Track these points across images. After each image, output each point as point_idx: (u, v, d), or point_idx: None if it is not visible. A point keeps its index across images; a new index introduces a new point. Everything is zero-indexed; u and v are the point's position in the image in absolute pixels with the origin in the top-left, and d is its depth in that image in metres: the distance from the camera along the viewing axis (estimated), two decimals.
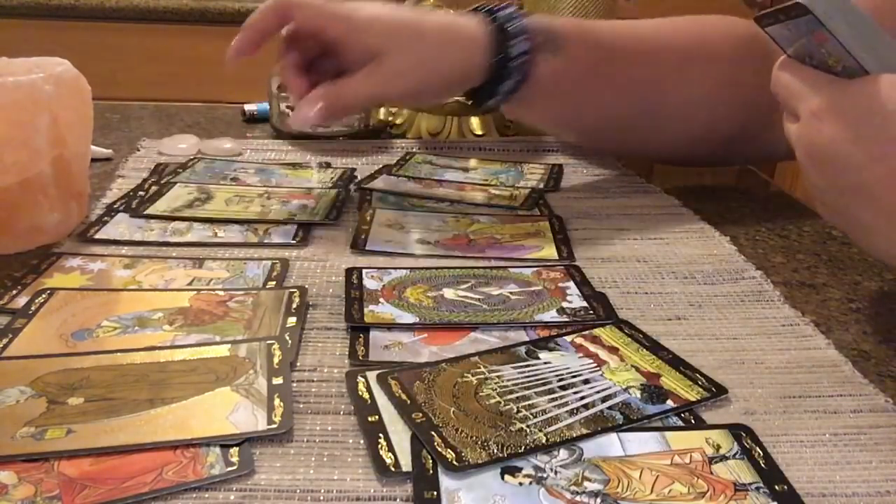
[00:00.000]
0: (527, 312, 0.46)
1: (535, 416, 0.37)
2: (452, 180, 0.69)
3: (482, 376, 0.40)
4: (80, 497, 0.31)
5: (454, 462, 0.33)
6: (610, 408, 0.37)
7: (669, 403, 0.38)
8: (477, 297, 0.48)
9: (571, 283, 0.50)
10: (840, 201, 0.44)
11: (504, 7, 0.60)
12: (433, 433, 0.35)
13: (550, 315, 0.46)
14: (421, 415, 0.37)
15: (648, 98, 0.64)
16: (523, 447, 0.35)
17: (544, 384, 0.39)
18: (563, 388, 0.39)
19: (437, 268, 0.52)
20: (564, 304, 0.47)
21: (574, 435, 0.35)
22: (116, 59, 1.76)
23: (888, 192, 0.41)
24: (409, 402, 0.38)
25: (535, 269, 0.52)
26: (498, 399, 0.38)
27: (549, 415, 0.37)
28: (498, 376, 0.40)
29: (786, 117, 0.46)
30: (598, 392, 0.39)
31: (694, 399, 0.38)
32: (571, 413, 0.37)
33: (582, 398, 0.38)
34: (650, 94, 0.64)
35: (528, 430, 0.36)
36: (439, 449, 0.34)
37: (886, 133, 0.40)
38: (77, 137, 0.55)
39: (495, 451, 0.34)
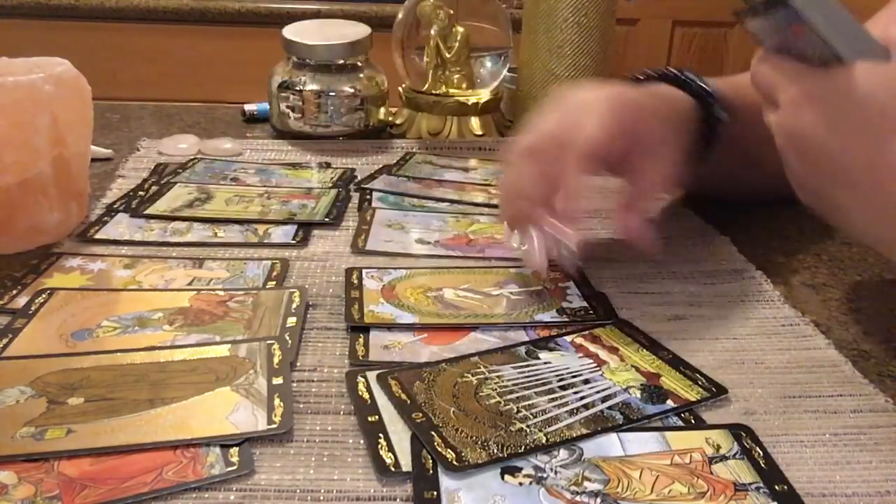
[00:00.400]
0: (527, 312, 0.46)
1: (535, 416, 0.37)
2: (452, 180, 0.69)
3: (482, 376, 0.40)
4: (80, 497, 0.31)
5: (454, 462, 0.33)
6: (610, 408, 0.37)
7: (669, 403, 0.38)
8: (477, 297, 0.48)
9: (571, 283, 0.50)
10: (820, 187, 0.44)
11: (683, 72, 0.59)
12: (433, 433, 0.35)
13: (550, 315, 0.46)
14: (421, 415, 0.37)
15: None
16: (523, 447, 0.35)
17: (544, 384, 0.39)
18: (563, 388, 0.39)
19: (436, 268, 0.52)
20: (564, 304, 0.47)
21: (574, 435, 0.35)
22: (116, 59, 1.77)
23: (866, 176, 0.41)
24: (408, 401, 0.38)
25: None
26: (498, 399, 0.38)
27: (549, 415, 0.37)
28: (498, 376, 0.40)
29: (765, 108, 0.47)
30: (598, 392, 0.39)
31: (694, 399, 0.38)
32: (571, 413, 0.37)
33: (582, 398, 0.38)
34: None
35: (528, 430, 0.36)
36: (439, 449, 0.34)
37: (862, 118, 0.41)
38: (77, 137, 0.55)
39: (495, 450, 0.34)
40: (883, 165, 0.41)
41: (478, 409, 0.37)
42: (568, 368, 0.41)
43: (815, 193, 0.45)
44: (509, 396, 0.38)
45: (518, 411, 0.37)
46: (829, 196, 0.44)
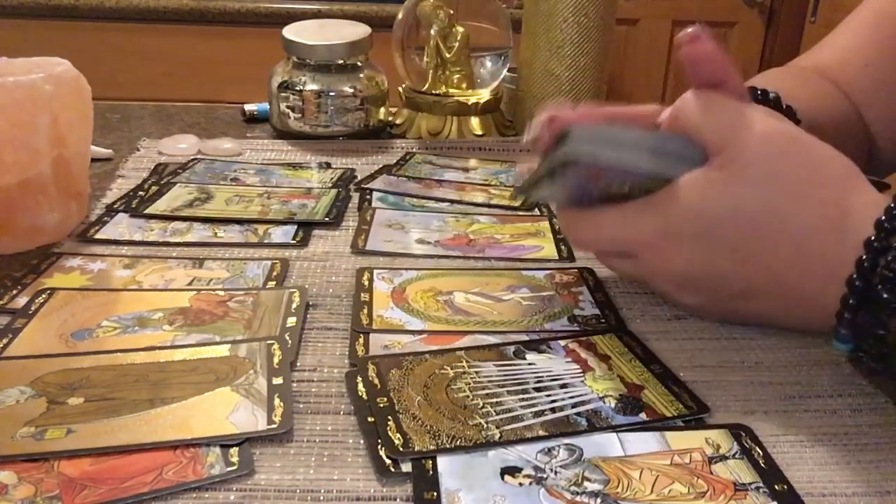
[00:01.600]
0: (537, 320, 0.46)
1: (498, 414, 0.37)
2: (452, 180, 0.69)
3: (461, 370, 0.40)
4: (80, 497, 0.31)
5: (399, 448, 0.34)
6: (578, 414, 0.37)
7: (643, 416, 0.37)
8: (488, 301, 0.48)
9: (584, 289, 0.50)
10: (732, 306, 0.43)
11: (768, 92, 0.53)
12: (390, 417, 0.36)
13: (561, 324, 0.45)
14: (385, 399, 0.37)
15: None
16: (473, 442, 0.35)
17: (520, 384, 0.39)
18: (537, 389, 0.39)
19: (448, 269, 0.52)
20: (576, 312, 0.47)
21: (528, 436, 0.35)
22: (116, 59, 1.77)
23: (768, 284, 0.40)
24: (378, 386, 0.38)
25: (548, 272, 0.52)
26: (468, 393, 0.38)
27: (512, 414, 0.37)
28: (476, 372, 0.40)
29: (620, 263, 0.46)
30: (571, 397, 0.38)
31: (670, 415, 0.37)
32: (536, 415, 0.37)
33: (553, 402, 0.38)
34: None
35: (484, 426, 0.36)
36: (390, 433, 0.35)
37: (725, 237, 0.40)
38: (77, 137, 0.55)
39: (445, 441, 0.34)
40: (771, 261, 0.40)
41: (444, 400, 0.37)
42: (550, 372, 0.40)
43: (733, 313, 0.44)
44: (480, 392, 0.38)
45: (483, 407, 0.37)
46: (749, 311, 0.43)
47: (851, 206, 0.39)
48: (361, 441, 0.35)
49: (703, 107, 0.41)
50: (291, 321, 0.44)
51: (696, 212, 0.40)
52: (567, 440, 0.35)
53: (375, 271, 0.51)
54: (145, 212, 0.59)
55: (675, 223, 0.41)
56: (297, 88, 0.76)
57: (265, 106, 0.83)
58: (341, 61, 0.77)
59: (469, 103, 0.80)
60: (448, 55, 0.79)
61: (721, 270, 0.41)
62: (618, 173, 0.41)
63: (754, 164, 0.39)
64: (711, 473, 0.34)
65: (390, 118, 0.83)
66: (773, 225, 0.39)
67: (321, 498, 0.32)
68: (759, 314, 0.43)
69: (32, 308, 0.45)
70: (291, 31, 0.77)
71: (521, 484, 0.33)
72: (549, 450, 0.35)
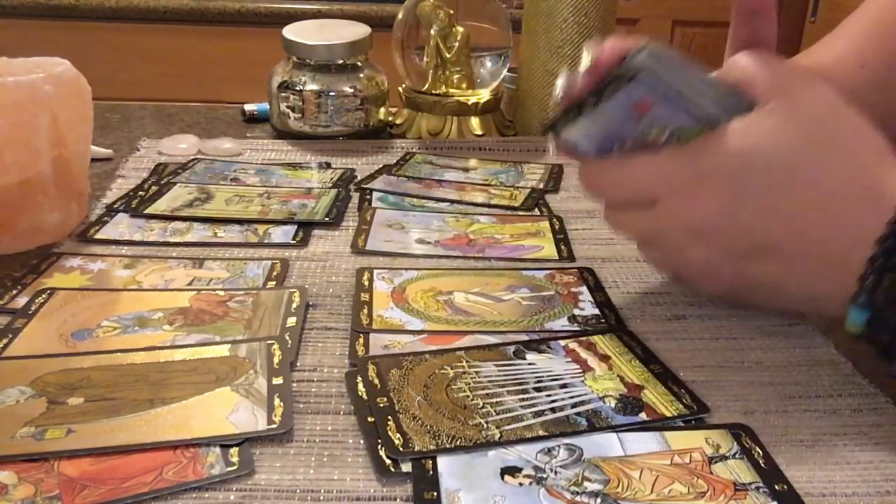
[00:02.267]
0: (537, 320, 0.46)
1: (498, 414, 0.37)
2: (452, 180, 0.69)
3: (461, 370, 0.40)
4: (80, 497, 0.31)
5: (399, 448, 0.34)
6: (578, 414, 0.37)
7: (643, 416, 0.37)
8: (488, 301, 0.48)
9: (584, 289, 0.50)
10: (741, 268, 0.42)
11: None
12: (390, 417, 0.36)
13: (561, 324, 0.45)
14: (385, 399, 0.37)
15: None
16: (473, 442, 0.35)
17: (520, 384, 0.39)
18: (537, 389, 0.39)
19: (448, 269, 0.52)
20: (576, 312, 0.47)
21: (528, 436, 0.35)
22: (116, 59, 1.77)
23: (788, 240, 0.40)
24: (378, 386, 0.38)
25: (548, 272, 0.52)
26: (468, 393, 0.38)
27: (513, 414, 0.37)
28: (476, 372, 0.40)
29: (631, 216, 0.45)
30: (571, 397, 0.38)
31: (670, 415, 0.37)
32: (536, 415, 0.37)
33: (553, 401, 0.38)
34: None
35: (484, 426, 0.36)
36: (390, 433, 0.35)
37: (759, 183, 0.39)
38: (77, 137, 0.55)
39: (445, 441, 0.34)
40: (800, 215, 0.39)
41: (444, 400, 0.37)
42: (550, 371, 0.40)
43: (737, 277, 0.43)
44: (480, 392, 0.38)
45: (483, 407, 0.37)
46: (754, 274, 0.42)
47: (888, 174, 0.39)
48: (361, 441, 0.35)
49: (760, 61, 0.42)
50: (291, 321, 0.44)
51: (736, 152, 0.40)
52: (567, 440, 0.35)
53: (375, 271, 0.51)
54: (145, 212, 0.59)
55: (711, 164, 0.40)
56: (297, 88, 0.76)
57: (265, 106, 0.83)
58: (341, 61, 0.77)
59: (469, 103, 0.80)
60: (448, 55, 0.79)
61: (743, 220, 0.40)
62: (666, 109, 0.40)
63: (803, 117, 0.40)
64: (711, 473, 0.34)
65: (390, 118, 0.83)
66: (807, 177, 0.39)
67: (321, 498, 0.32)
68: (767, 279, 0.42)
69: (32, 308, 0.45)
70: (291, 31, 0.77)
71: (521, 484, 0.33)
72: (549, 450, 0.35)
